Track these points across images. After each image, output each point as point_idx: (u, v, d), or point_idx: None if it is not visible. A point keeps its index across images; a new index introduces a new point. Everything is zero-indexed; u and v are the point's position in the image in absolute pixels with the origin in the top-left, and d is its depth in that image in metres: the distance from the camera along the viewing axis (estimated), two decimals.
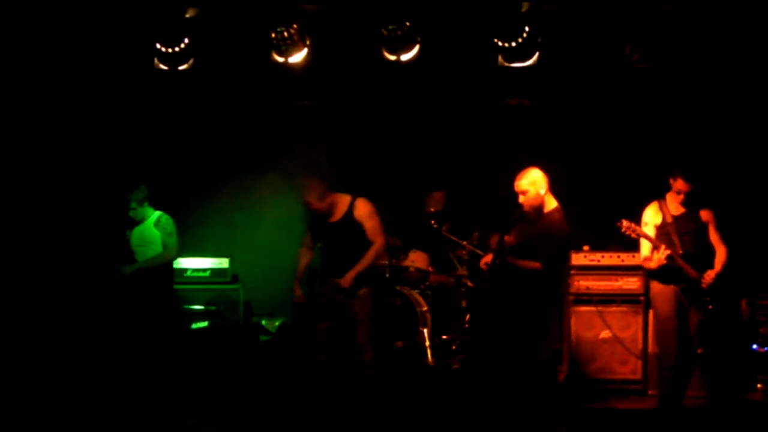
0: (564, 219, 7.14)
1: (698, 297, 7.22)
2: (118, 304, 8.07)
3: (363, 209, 7.52)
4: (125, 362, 7.90)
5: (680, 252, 7.22)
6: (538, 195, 7.10)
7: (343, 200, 7.53)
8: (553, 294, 7.27)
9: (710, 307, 7.20)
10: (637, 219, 7.39)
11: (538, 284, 7.03)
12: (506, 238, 7.15)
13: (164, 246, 8.07)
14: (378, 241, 7.50)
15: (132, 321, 7.97)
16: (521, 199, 7.12)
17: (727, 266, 7.25)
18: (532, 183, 7.10)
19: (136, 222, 8.10)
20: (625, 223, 7.22)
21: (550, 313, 7.27)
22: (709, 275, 7.17)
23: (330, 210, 7.49)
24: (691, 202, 7.32)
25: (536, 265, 7.00)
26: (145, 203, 8.08)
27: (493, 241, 7.21)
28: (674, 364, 7.29)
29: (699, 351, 7.31)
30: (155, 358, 7.85)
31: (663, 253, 7.17)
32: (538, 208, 7.14)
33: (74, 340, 8.47)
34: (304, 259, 7.85)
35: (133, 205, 8.02)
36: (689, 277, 7.20)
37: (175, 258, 8.23)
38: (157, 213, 8.15)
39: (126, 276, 7.93)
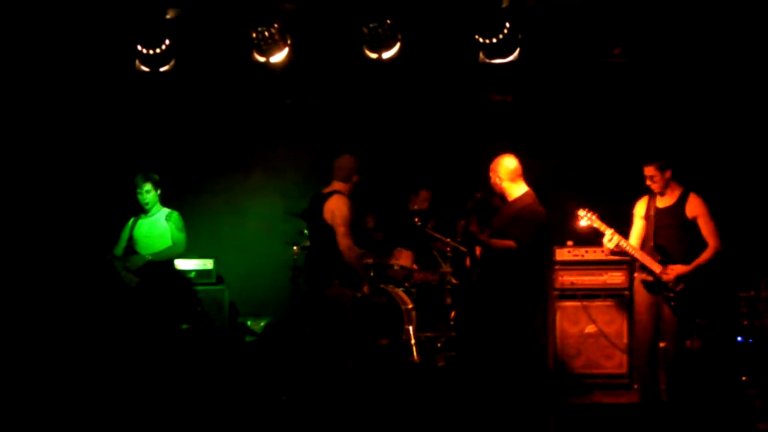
0: (535, 201, 7.25)
1: (664, 292, 7.21)
2: (127, 299, 8.06)
3: None
4: (110, 363, 7.91)
5: (650, 244, 7.26)
6: (495, 183, 7.32)
7: None
8: (534, 281, 7.31)
9: (673, 303, 7.16)
10: (622, 214, 7.49)
11: (516, 267, 7.08)
12: (473, 227, 7.31)
13: (175, 241, 8.14)
14: None
15: (127, 319, 8.00)
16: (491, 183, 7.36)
17: (705, 264, 7.16)
18: (492, 170, 7.33)
19: (144, 212, 8.16)
20: (581, 212, 7.35)
21: (535, 302, 7.30)
22: (671, 270, 7.16)
23: None
24: (669, 190, 7.29)
25: (510, 243, 7.08)
26: (159, 193, 8.17)
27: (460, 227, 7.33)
28: (647, 358, 7.31)
29: (660, 345, 7.32)
30: (139, 359, 7.86)
31: (611, 241, 7.25)
32: (502, 196, 7.34)
33: (73, 333, 8.51)
34: None
35: (148, 187, 8.09)
36: (653, 272, 7.23)
37: (183, 253, 8.28)
38: (166, 209, 8.23)
39: (133, 269, 7.97)
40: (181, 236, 8.16)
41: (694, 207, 7.25)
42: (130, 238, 8.18)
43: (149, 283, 7.99)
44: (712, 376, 7.85)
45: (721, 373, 7.88)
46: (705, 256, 7.18)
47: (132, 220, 8.25)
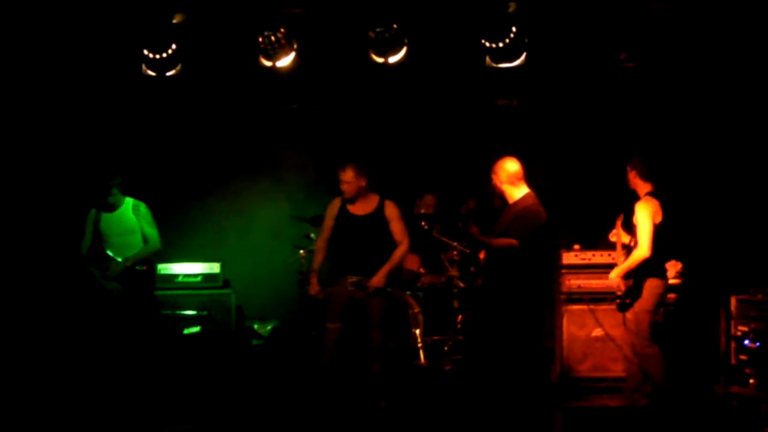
0: (536, 203, 7.42)
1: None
2: (104, 305, 7.94)
3: (393, 209, 7.61)
4: (113, 367, 7.86)
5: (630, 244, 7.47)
6: (494, 184, 7.54)
7: (372, 197, 7.62)
8: (538, 281, 7.40)
9: (617, 301, 7.39)
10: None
11: (519, 268, 7.21)
12: (472, 229, 7.44)
13: (146, 238, 7.90)
14: (405, 243, 7.59)
15: (119, 323, 7.88)
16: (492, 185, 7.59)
17: (632, 270, 7.23)
18: (493, 172, 7.54)
19: (111, 210, 7.90)
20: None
21: (539, 303, 7.38)
22: (612, 274, 7.37)
23: (358, 199, 7.52)
24: (639, 191, 7.40)
25: (513, 241, 7.24)
26: (120, 188, 7.91)
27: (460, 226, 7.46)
28: (631, 356, 7.48)
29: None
30: (144, 362, 7.82)
31: (612, 236, 7.58)
32: (503, 198, 7.54)
33: (59, 342, 8.45)
34: (321, 253, 7.68)
35: (114, 191, 7.82)
36: None
37: (160, 249, 8.05)
38: (131, 199, 7.98)
39: (114, 277, 7.79)
40: (153, 232, 7.92)
41: (635, 212, 7.30)
42: (97, 234, 7.88)
43: (133, 287, 7.87)
44: (705, 379, 7.91)
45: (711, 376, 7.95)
46: (629, 261, 7.26)
47: (94, 212, 7.93)
